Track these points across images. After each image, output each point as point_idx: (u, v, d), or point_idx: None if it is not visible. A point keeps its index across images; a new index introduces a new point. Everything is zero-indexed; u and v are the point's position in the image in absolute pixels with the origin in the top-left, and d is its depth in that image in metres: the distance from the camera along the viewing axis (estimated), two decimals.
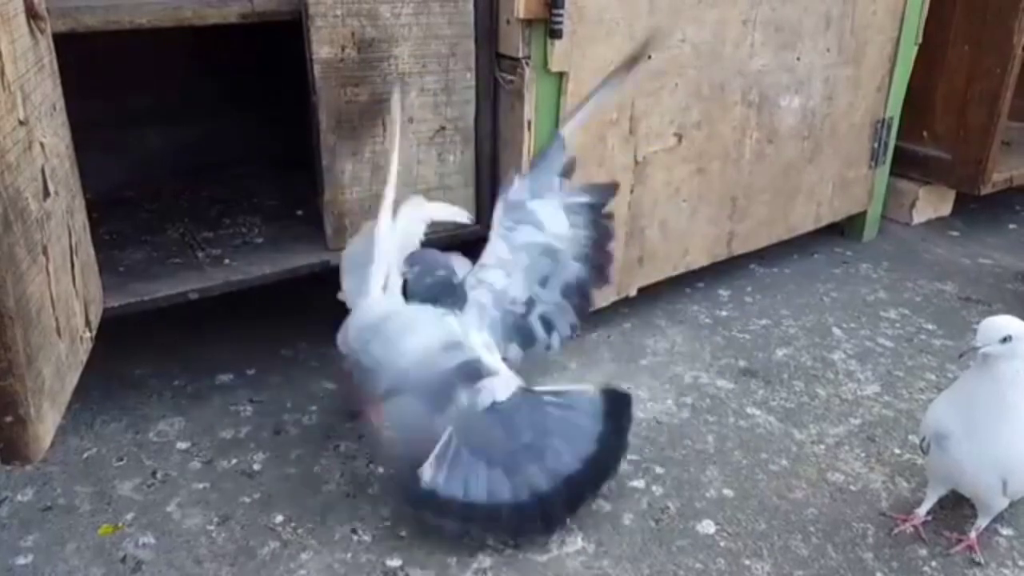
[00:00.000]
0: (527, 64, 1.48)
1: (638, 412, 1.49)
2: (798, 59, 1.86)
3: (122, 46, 1.51)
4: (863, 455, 1.39)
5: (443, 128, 1.53)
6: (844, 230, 2.23)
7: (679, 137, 1.74)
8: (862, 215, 2.19)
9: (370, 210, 1.51)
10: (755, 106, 1.83)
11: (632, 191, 1.71)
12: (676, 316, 1.85)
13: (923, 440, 1.19)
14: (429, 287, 1.23)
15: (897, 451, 1.40)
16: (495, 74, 1.54)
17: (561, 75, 1.52)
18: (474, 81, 1.53)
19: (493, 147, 1.59)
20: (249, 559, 1.17)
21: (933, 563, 1.17)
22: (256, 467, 1.35)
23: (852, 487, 1.32)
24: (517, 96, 1.51)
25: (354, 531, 1.22)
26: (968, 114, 2.16)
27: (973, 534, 1.18)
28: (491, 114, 1.56)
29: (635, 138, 1.66)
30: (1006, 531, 1.23)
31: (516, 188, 1.33)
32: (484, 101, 1.54)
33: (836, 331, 1.79)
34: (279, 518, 1.24)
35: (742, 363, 1.67)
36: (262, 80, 1.91)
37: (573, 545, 1.19)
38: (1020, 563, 1.17)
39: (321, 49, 1.40)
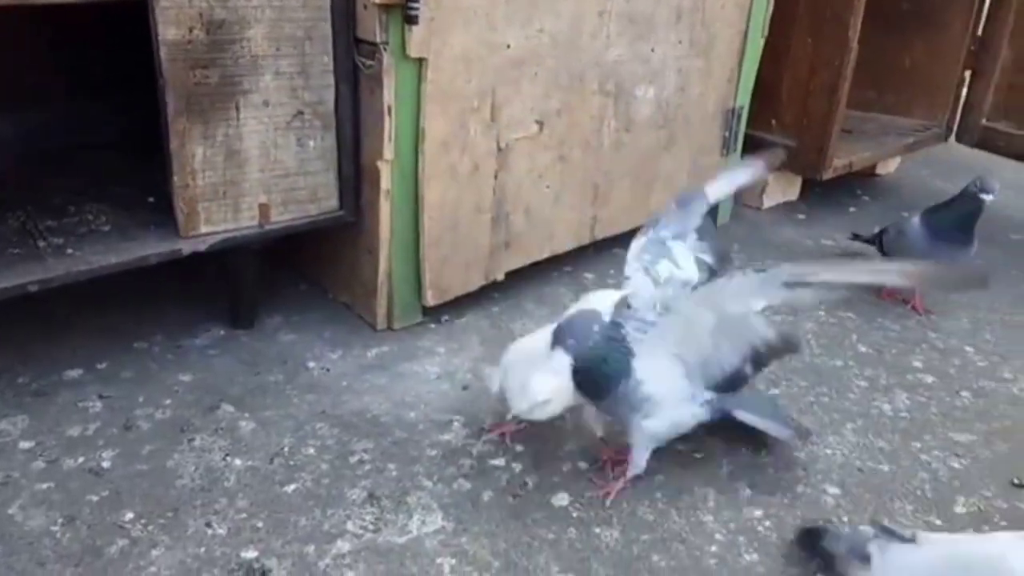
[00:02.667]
0: (385, 49, 1.48)
1: None
2: (652, 51, 1.95)
3: None
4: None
5: (301, 112, 1.51)
6: None
7: (540, 125, 1.78)
8: None
9: (224, 196, 1.48)
10: (612, 96, 1.91)
11: (496, 177, 1.74)
12: (544, 299, 1.91)
13: None
14: (592, 354, 1.19)
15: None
16: (354, 59, 1.53)
17: (420, 61, 1.53)
18: (332, 65, 1.51)
19: (355, 132, 1.58)
20: (96, 559, 1.13)
21: (767, 523, 1.28)
22: (105, 464, 1.30)
23: (696, 454, 1.41)
24: (376, 81, 1.51)
25: (208, 525, 1.20)
26: (811, 103, 2.33)
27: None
28: (351, 99, 1.55)
29: (497, 125, 1.70)
30: (833, 490, 1.36)
31: (662, 225, 1.41)
32: (344, 86, 1.53)
33: None
34: (129, 515, 1.21)
35: None
36: (114, 62, 1.82)
37: (433, 524, 1.22)
38: (844, 519, 1.30)
39: (167, 31, 1.35)
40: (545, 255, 1.93)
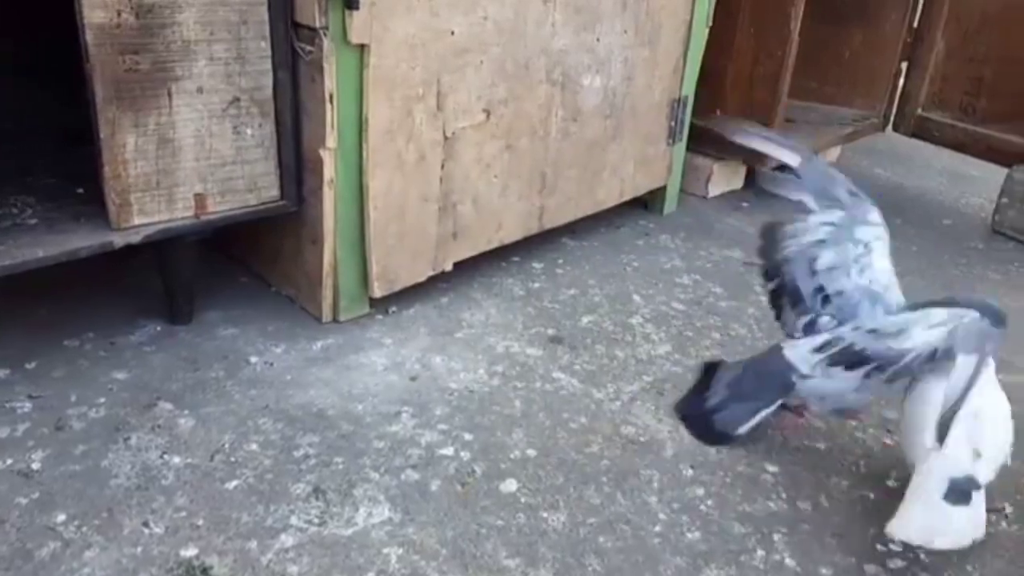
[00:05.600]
0: (325, 35, 1.45)
1: (451, 384, 1.54)
2: (598, 40, 1.95)
3: None
4: (653, 408, 1.51)
5: (238, 100, 1.47)
6: (647, 204, 2.39)
7: (487, 113, 1.78)
8: (662, 190, 2.36)
9: (158, 186, 1.44)
10: (559, 85, 1.91)
11: (443, 167, 1.73)
12: (492, 289, 1.90)
13: None
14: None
15: None
16: (293, 44, 1.50)
17: (362, 47, 1.50)
18: (270, 51, 1.48)
19: (295, 120, 1.54)
20: (26, 562, 1.09)
21: (709, 502, 1.30)
22: (35, 466, 1.25)
23: (642, 438, 1.43)
24: (317, 68, 1.48)
25: (145, 524, 1.17)
26: (754, 94, 2.37)
27: None
28: (291, 86, 1.51)
29: (443, 114, 1.68)
30: (772, 468, 1.39)
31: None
32: (282, 72, 1.50)
33: (636, 297, 1.92)
34: (61, 517, 1.16)
35: (551, 331, 1.75)
36: (44, 48, 1.74)
37: (379, 516, 1.21)
38: (783, 496, 1.33)
39: (94, 14, 1.29)
40: (493, 245, 1.92)
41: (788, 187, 1.47)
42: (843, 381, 1.27)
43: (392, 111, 1.59)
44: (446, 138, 1.71)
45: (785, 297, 1.38)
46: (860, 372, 1.25)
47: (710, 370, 1.50)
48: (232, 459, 1.30)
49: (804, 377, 1.31)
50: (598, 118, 2.05)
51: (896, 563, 1.19)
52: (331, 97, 1.49)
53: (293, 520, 1.19)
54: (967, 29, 2.53)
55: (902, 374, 1.21)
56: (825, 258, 1.35)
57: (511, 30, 1.74)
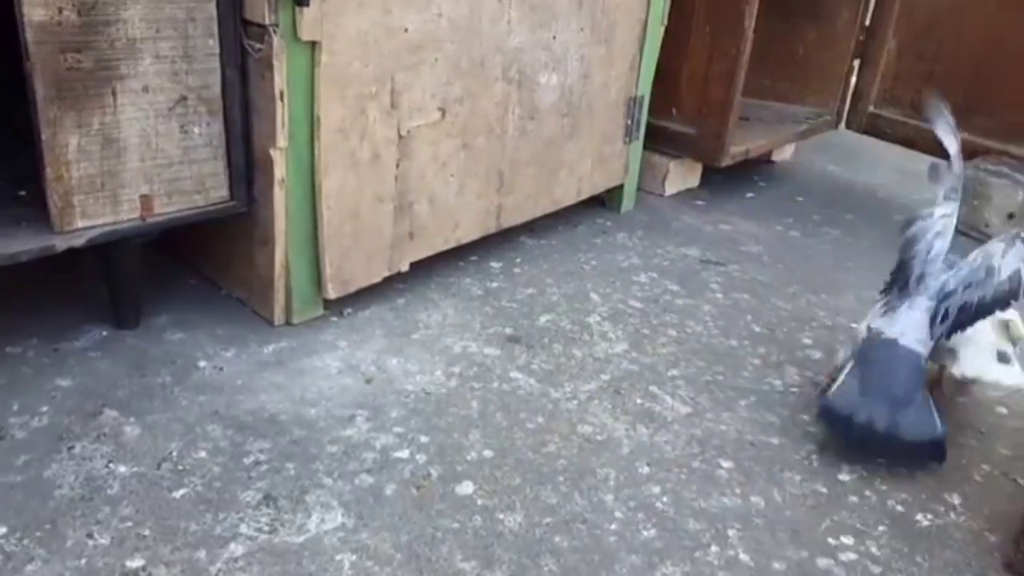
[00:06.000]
0: (275, 32, 1.43)
1: (407, 386, 1.52)
2: (554, 38, 1.95)
3: None
4: (610, 407, 1.52)
5: (185, 98, 1.43)
6: (605, 202, 2.40)
7: (443, 112, 1.76)
8: (620, 188, 2.37)
9: (102, 187, 1.40)
10: (516, 83, 1.90)
11: (398, 166, 1.71)
12: (449, 289, 1.89)
13: None
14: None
15: (639, 401, 1.54)
16: (242, 42, 1.47)
17: (313, 45, 1.48)
18: (218, 48, 1.44)
19: (245, 119, 1.51)
20: None
21: (665, 499, 1.31)
22: None
23: (599, 437, 1.43)
24: (267, 65, 1.45)
25: (90, 535, 1.13)
26: (709, 92, 2.39)
27: None
28: (240, 84, 1.48)
29: (398, 112, 1.66)
30: (727, 464, 1.40)
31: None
32: (231, 70, 1.46)
33: (594, 296, 1.93)
34: (1, 530, 1.12)
35: (508, 331, 1.75)
36: None
37: (332, 522, 1.19)
38: (737, 491, 1.34)
39: (34, 11, 1.25)
40: (451, 245, 1.91)
41: (941, 178, 1.58)
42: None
43: (345, 109, 1.56)
44: (401, 137, 1.69)
45: (900, 280, 1.50)
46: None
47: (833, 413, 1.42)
48: (180, 467, 1.28)
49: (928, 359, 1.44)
50: (555, 116, 2.05)
51: (848, 556, 1.21)
52: (281, 95, 1.46)
53: (243, 528, 1.17)
54: (917, 27, 2.58)
55: (1012, 297, 1.40)
56: (936, 248, 1.49)
57: (466, 27, 1.73)
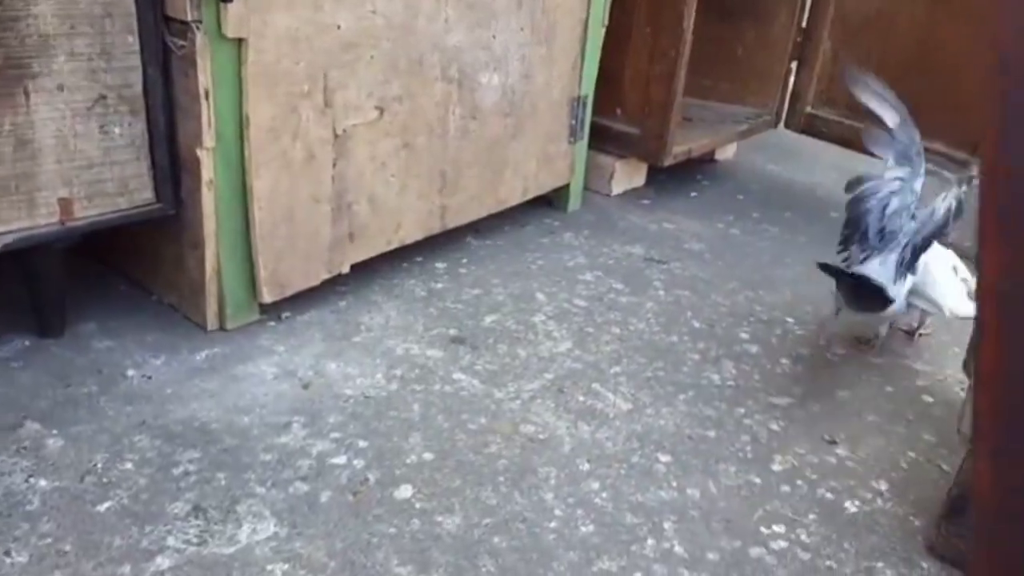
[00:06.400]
0: (198, 29, 1.38)
1: (346, 390, 1.49)
2: (494, 37, 1.94)
3: None
4: (553, 406, 1.51)
5: (104, 97, 1.38)
6: (552, 202, 2.39)
7: (380, 111, 1.74)
8: (566, 188, 2.37)
9: (16, 190, 1.34)
10: (456, 82, 1.89)
11: (335, 165, 1.68)
12: (392, 291, 1.86)
13: None
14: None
15: (582, 399, 1.54)
16: (164, 39, 1.42)
17: (240, 42, 1.44)
18: (138, 46, 1.40)
19: (169, 119, 1.47)
20: None
21: (604, 494, 1.30)
22: None
23: (541, 436, 1.42)
24: (190, 63, 1.41)
25: (7, 554, 1.08)
26: (651, 92, 2.41)
27: None
28: (163, 83, 1.44)
29: (332, 111, 1.63)
30: (665, 458, 1.41)
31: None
32: (153, 68, 1.42)
33: (539, 296, 1.92)
34: None
35: (452, 332, 1.73)
36: None
37: (264, 532, 1.16)
38: (674, 484, 1.34)
39: None
40: (393, 246, 1.88)
41: (881, 144, 1.71)
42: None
43: (275, 108, 1.53)
44: (337, 136, 1.66)
45: (856, 235, 1.63)
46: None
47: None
48: (104, 480, 1.22)
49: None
50: (498, 116, 2.04)
51: (779, 544, 1.23)
52: (207, 94, 1.42)
53: (170, 541, 1.12)
54: (851, 30, 2.64)
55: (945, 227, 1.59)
56: (892, 205, 1.62)
57: (402, 25, 1.71)
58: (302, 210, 1.64)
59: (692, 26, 2.31)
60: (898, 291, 1.58)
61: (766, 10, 2.75)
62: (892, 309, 1.58)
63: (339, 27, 1.59)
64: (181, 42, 1.40)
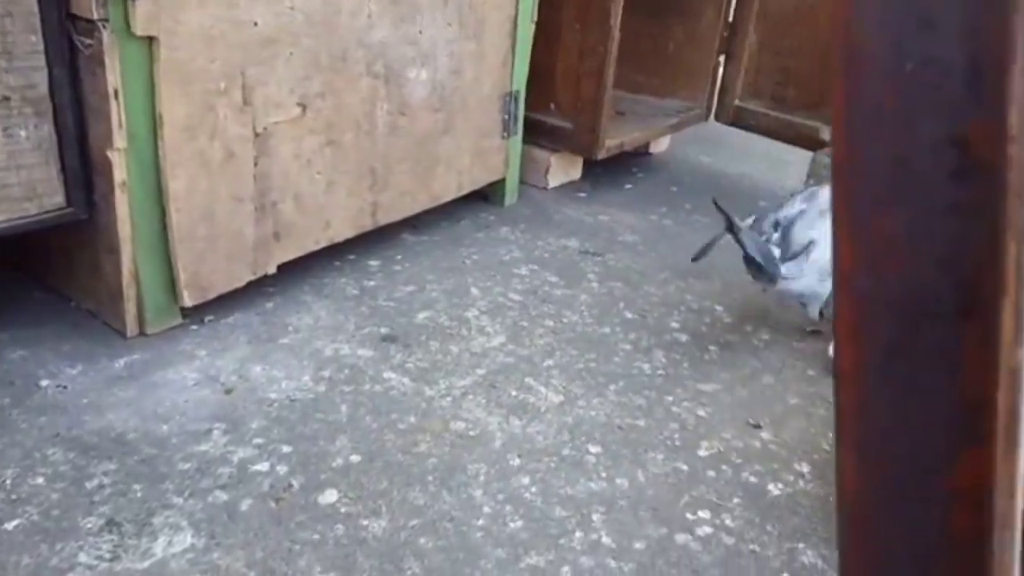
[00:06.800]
0: (105, 27, 1.33)
1: (270, 394, 1.46)
2: (420, 32, 1.92)
3: None
4: (484, 401, 1.51)
5: (7, 99, 1.32)
6: (488, 196, 2.39)
7: (303, 107, 1.70)
8: (502, 182, 2.36)
9: None
10: (382, 78, 1.86)
11: (257, 164, 1.64)
12: (323, 290, 1.83)
13: None
14: None
15: (514, 393, 1.54)
16: (70, 38, 1.37)
17: (150, 40, 1.39)
18: (42, 45, 1.34)
19: (78, 120, 1.41)
20: None
21: (533, 489, 1.30)
22: None
23: (471, 432, 1.42)
24: (98, 63, 1.36)
25: None
26: (582, 87, 2.42)
27: None
28: (70, 83, 1.38)
29: (252, 108, 1.59)
30: (595, 449, 1.42)
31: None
32: (59, 68, 1.36)
33: (474, 290, 1.91)
34: None
35: (384, 330, 1.71)
36: None
37: (181, 544, 1.13)
38: (603, 475, 1.35)
39: None
40: (323, 244, 1.85)
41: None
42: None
43: (191, 107, 1.49)
44: (257, 134, 1.62)
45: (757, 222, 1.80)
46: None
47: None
48: (13, 496, 1.17)
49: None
50: (428, 111, 2.02)
51: (704, 530, 1.25)
52: (116, 93, 1.37)
53: (82, 557, 1.08)
54: (774, 25, 2.70)
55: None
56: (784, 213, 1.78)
57: (322, 21, 1.68)
58: (223, 210, 1.60)
59: (620, 23, 2.33)
60: (794, 270, 1.68)
61: (693, 6, 2.79)
62: (786, 286, 1.69)
63: (256, 24, 1.55)
64: (88, 41, 1.35)
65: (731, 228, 1.71)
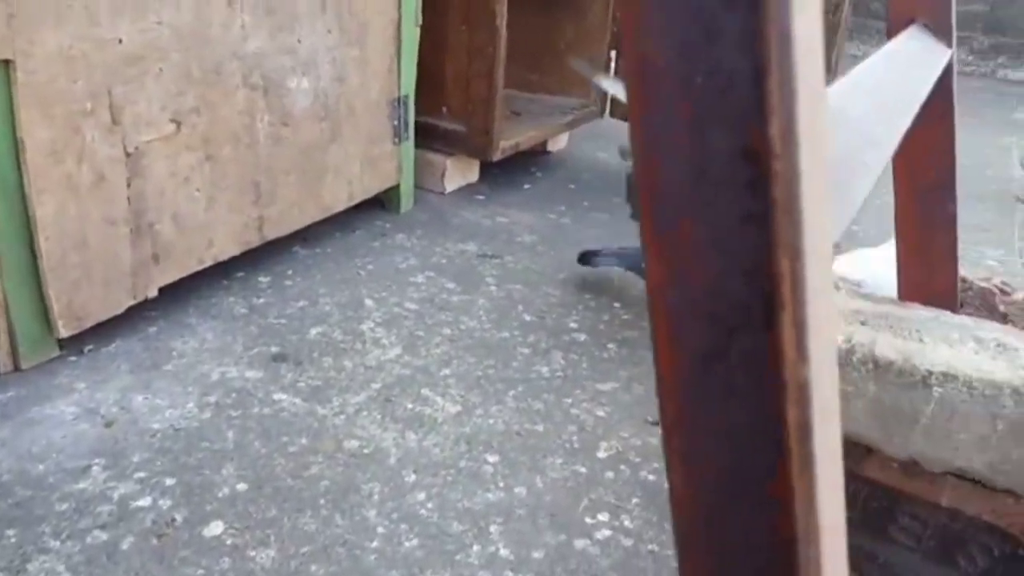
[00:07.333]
0: None
1: (153, 424, 1.41)
2: (299, 41, 1.88)
3: None
4: (379, 417, 1.50)
5: None
6: (384, 203, 2.37)
7: (177, 124, 1.64)
8: (396, 189, 2.35)
9: None
10: (260, 89, 1.82)
11: (130, 185, 1.57)
12: (209, 311, 1.78)
13: None
14: None
15: (410, 406, 1.54)
16: None
17: (6, 63, 1.32)
18: None
19: None
20: None
21: (429, 504, 1.31)
22: None
23: (365, 450, 1.41)
24: None
25: None
26: (472, 89, 2.43)
27: None
28: None
29: (121, 128, 1.53)
30: (493, 458, 1.43)
31: None
32: None
33: (368, 302, 1.90)
34: None
35: (274, 349, 1.68)
36: None
37: None
38: (501, 484, 1.37)
39: None
40: (207, 264, 1.80)
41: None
42: None
43: (54, 130, 1.41)
44: (128, 154, 1.55)
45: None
46: None
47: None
48: None
49: None
50: (312, 121, 1.99)
51: (603, 533, 1.28)
52: None
53: None
54: None
55: None
56: None
57: (192, 35, 1.62)
58: (96, 235, 1.53)
59: (507, 22, 2.35)
60: None
61: (582, 2, 2.84)
62: None
63: (120, 41, 1.48)
64: None
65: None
